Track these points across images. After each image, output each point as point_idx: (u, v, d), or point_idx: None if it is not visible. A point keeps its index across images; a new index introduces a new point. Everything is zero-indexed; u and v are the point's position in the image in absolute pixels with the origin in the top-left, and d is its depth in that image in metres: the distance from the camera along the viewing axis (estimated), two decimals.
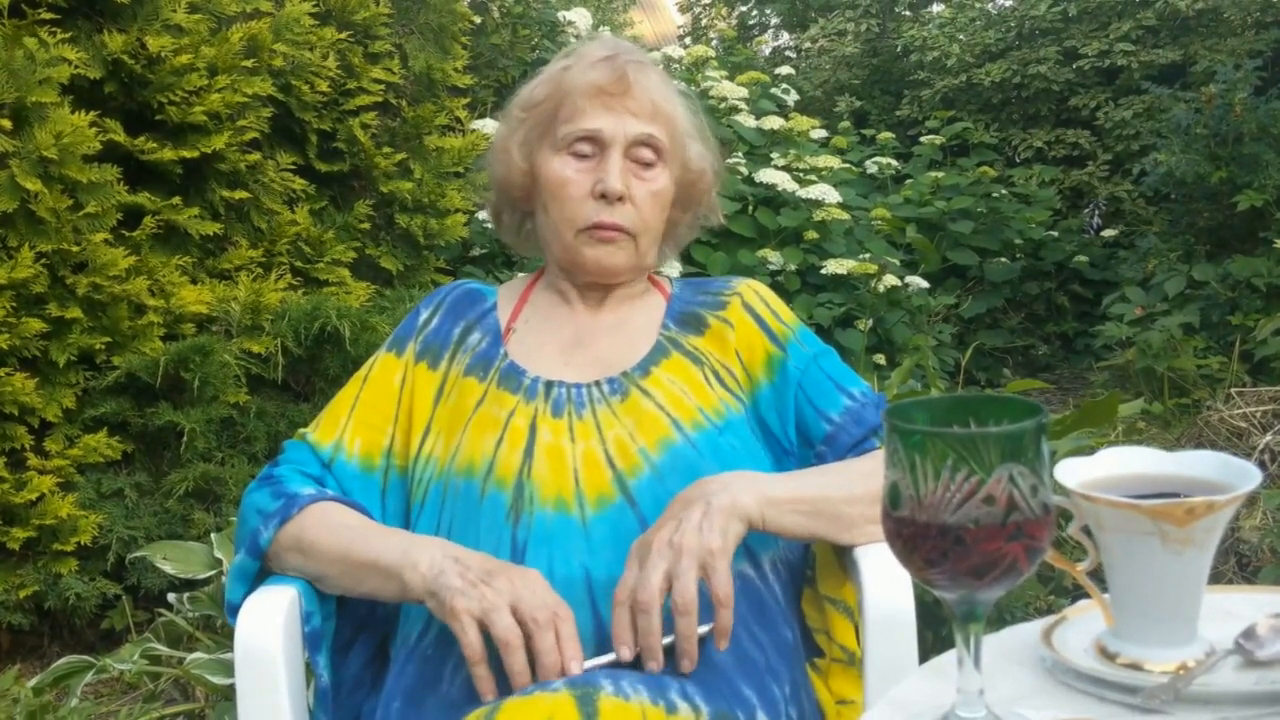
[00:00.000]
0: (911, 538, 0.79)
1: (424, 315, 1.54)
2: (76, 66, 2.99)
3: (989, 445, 0.77)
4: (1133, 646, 0.90)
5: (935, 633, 2.03)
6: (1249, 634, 0.91)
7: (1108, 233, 6.74)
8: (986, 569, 0.78)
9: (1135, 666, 0.89)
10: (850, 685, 1.38)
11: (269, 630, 1.34)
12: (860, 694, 1.35)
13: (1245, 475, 0.87)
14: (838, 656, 1.39)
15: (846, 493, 1.32)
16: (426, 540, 1.31)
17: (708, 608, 1.25)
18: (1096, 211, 6.91)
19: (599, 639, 1.27)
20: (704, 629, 1.24)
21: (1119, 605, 0.91)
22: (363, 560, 1.31)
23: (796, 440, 1.44)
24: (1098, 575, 0.92)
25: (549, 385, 1.42)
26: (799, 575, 1.45)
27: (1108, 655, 0.90)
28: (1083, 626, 0.96)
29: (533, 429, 1.37)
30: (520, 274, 1.63)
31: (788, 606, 1.39)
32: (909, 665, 1.27)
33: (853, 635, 1.39)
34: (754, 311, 1.49)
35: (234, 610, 1.37)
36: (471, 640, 1.19)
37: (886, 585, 1.28)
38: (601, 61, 1.46)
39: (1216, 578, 2.83)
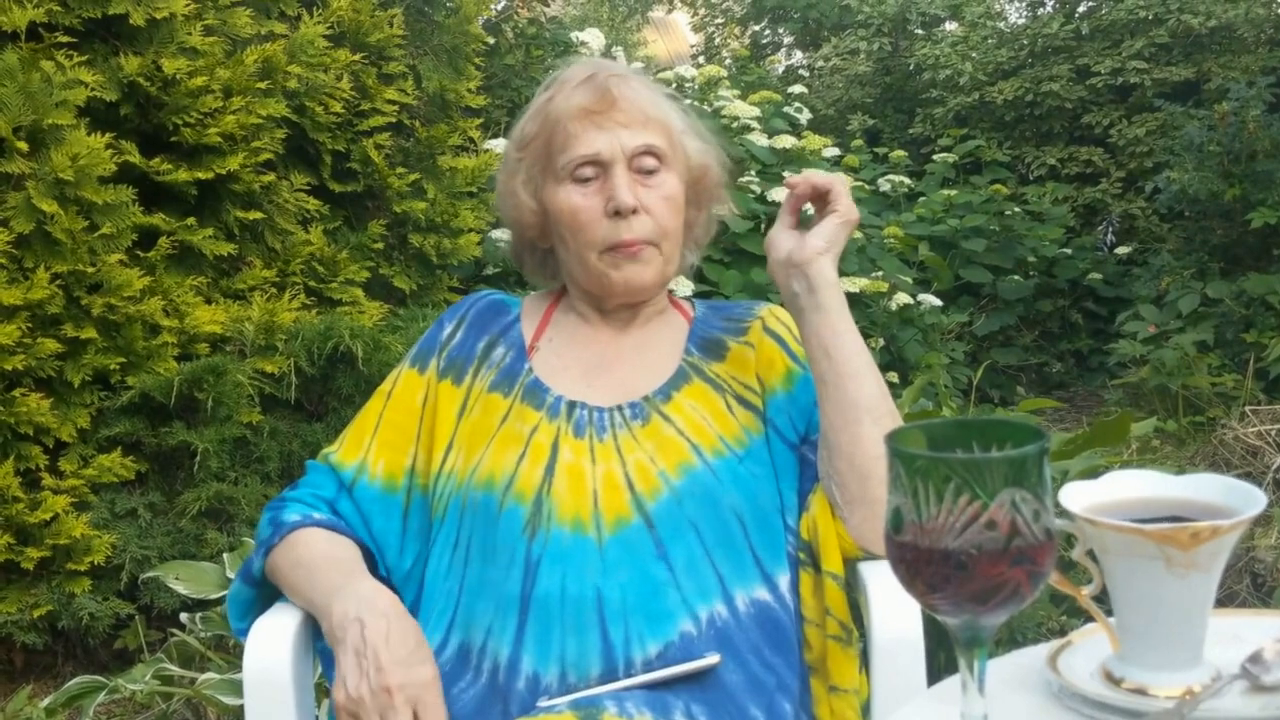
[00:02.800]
0: (914, 563, 0.79)
1: (448, 329, 1.53)
2: (93, 89, 3.02)
3: (991, 470, 0.77)
4: (1138, 671, 0.89)
5: (948, 653, 2.02)
6: (1255, 659, 0.91)
7: (1121, 250, 6.72)
8: (989, 594, 0.78)
9: (1140, 691, 0.88)
10: (845, 669, 1.34)
11: (278, 651, 1.35)
12: (854, 678, 1.33)
13: (1250, 499, 0.87)
14: (834, 634, 1.35)
15: (873, 368, 1.38)
16: (354, 589, 1.32)
17: (711, 642, 1.27)
18: (1110, 229, 6.89)
19: (606, 661, 1.27)
20: (707, 660, 1.25)
21: (1124, 629, 0.91)
22: (306, 597, 1.37)
23: (804, 432, 1.43)
24: (1103, 599, 0.92)
25: (571, 405, 1.43)
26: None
27: (1113, 680, 0.90)
28: (1088, 651, 0.96)
29: (555, 447, 1.38)
30: (540, 290, 1.62)
31: (798, 618, 1.38)
32: (918, 689, 1.27)
33: (846, 607, 1.36)
34: (775, 334, 1.49)
35: (241, 633, 1.41)
36: None
37: (895, 610, 1.29)
38: (583, 84, 1.46)
39: (1231, 597, 2.82)
